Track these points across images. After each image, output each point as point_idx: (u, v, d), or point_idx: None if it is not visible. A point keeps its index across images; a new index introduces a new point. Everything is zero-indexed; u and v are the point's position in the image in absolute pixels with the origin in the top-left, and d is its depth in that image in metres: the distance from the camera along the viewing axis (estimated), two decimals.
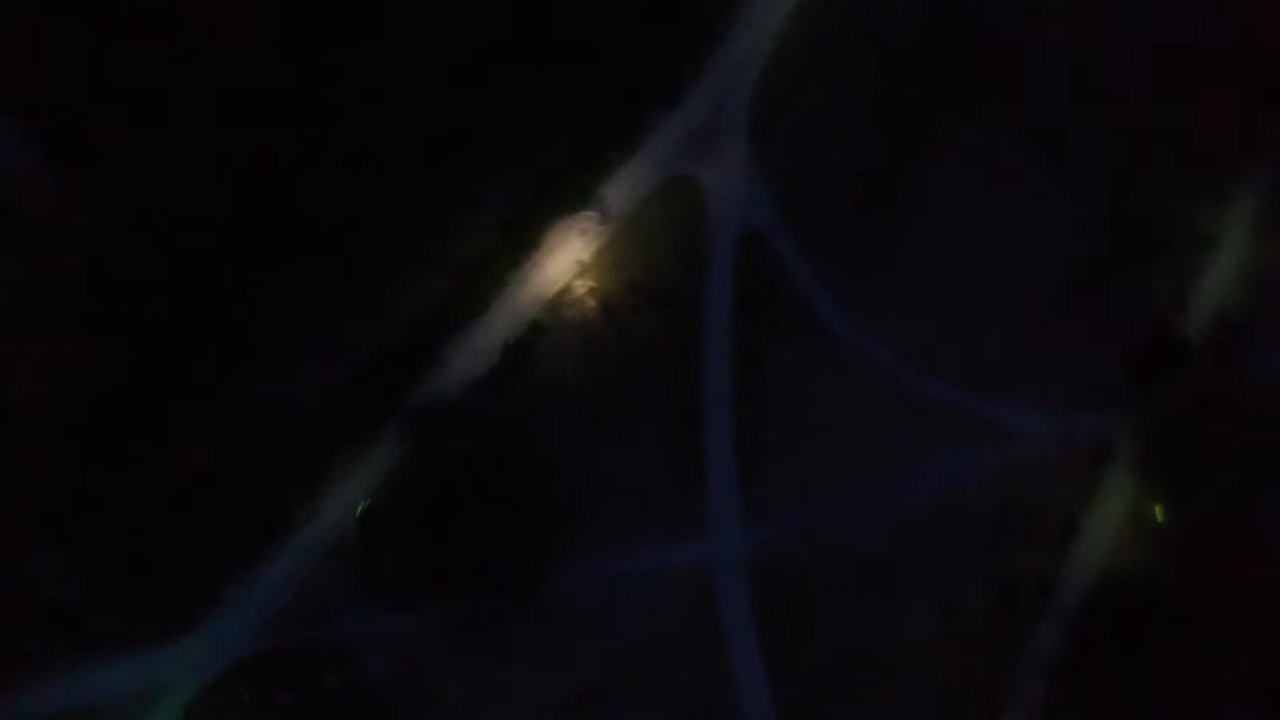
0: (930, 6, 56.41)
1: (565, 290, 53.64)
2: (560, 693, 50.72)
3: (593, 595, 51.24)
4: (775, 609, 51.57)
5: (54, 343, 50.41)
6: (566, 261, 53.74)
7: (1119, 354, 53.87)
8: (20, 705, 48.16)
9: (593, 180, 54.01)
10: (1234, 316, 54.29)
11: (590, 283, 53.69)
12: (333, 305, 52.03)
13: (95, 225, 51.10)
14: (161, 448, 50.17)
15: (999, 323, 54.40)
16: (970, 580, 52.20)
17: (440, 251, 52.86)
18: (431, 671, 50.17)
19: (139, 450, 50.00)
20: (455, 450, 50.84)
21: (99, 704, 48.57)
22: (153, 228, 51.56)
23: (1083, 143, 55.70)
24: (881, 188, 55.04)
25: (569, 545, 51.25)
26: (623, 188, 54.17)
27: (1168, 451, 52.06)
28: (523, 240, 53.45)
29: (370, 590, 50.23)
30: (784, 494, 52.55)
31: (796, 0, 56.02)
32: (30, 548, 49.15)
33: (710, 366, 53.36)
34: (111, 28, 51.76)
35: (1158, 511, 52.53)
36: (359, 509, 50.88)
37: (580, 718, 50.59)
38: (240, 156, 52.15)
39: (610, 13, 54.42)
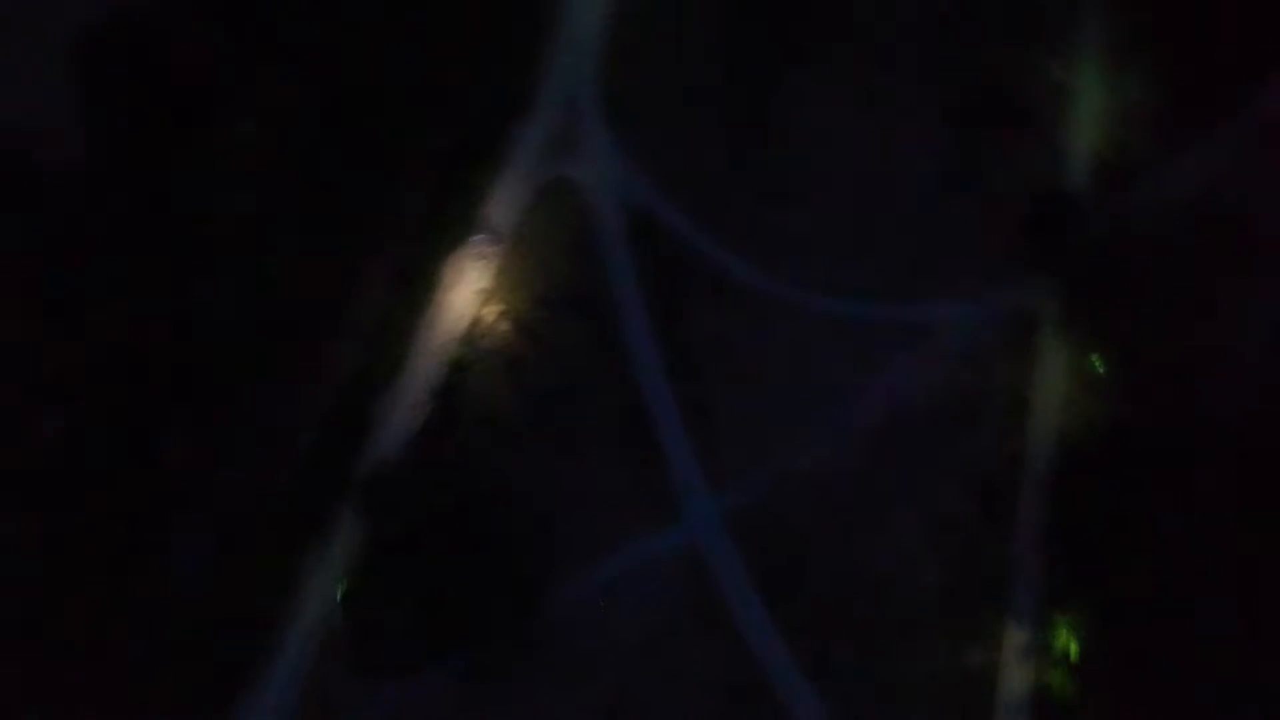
0: None
1: (476, 322, 53.58)
2: (589, 710, 50.77)
3: (591, 607, 51.30)
4: (767, 565, 51.88)
5: None
6: (469, 294, 53.70)
7: (1016, 227, 54.78)
8: None
9: (470, 208, 54.01)
10: (1110, 157, 55.42)
11: (498, 308, 53.66)
12: (250, 405, 51.67)
13: None
14: (133, 591, 50.17)
15: (896, 230, 55.05)
16: (943, 481, 52.82)
17: (345, 319, 52.61)
18: None
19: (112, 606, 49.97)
20: (415, 509, 50.63)
21: None
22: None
23: (922, 40, 56.47)
24: (750, 135, 55.52)
25: (552, 568, 51.24)
26: (503, 206, 54.29)
27: (1088, 303, 52.98)
28: (422, 285, 53.29)
29: (370, 670, 49.85)
30: (742, 454, 52.85)
31: None
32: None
33: (637, 354, 53.52)
34: None
35: (1096, 362, 53.56)
36: (339, 594, 50.40)
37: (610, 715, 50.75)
38: (110, 294, 51.72)
39: (436, 42, 54.45)
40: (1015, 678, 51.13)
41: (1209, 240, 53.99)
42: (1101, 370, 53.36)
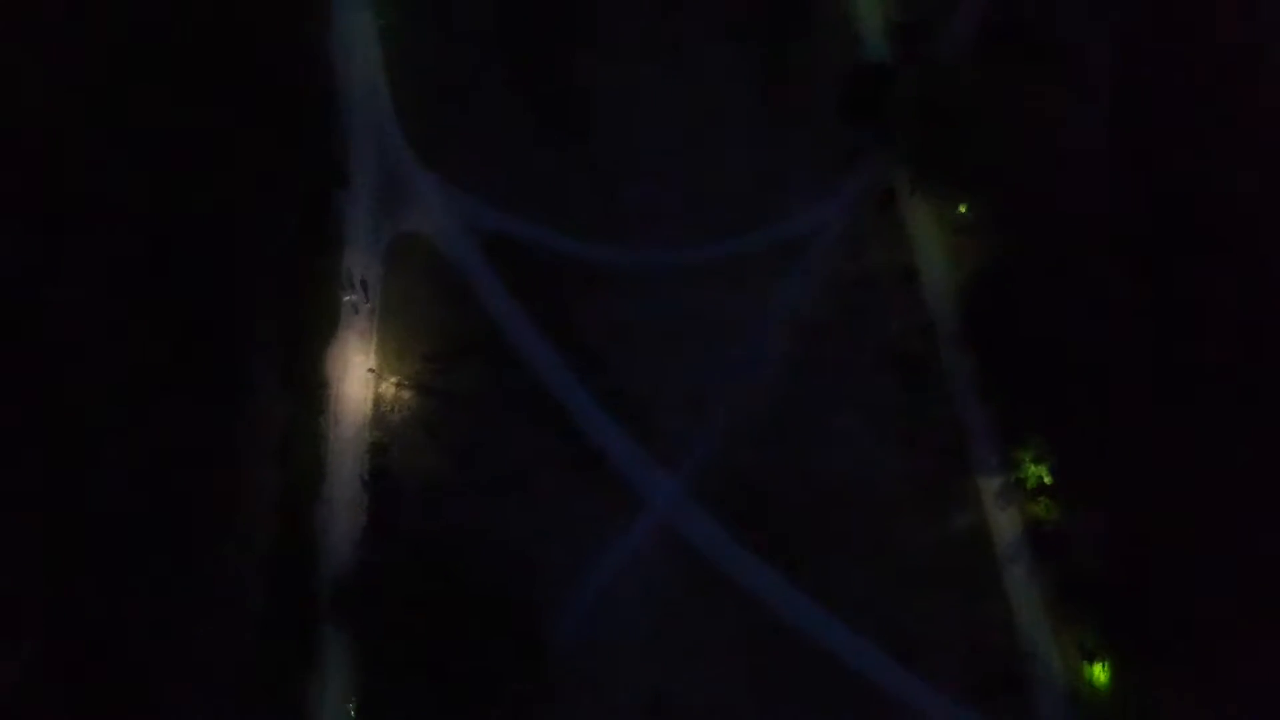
0: None
1: (377, 401, 52.90)
2: (631, 715, 50.55)
3: (594, 620, 50.89)
4: (739, 515, 52.09)
5: None
6: (360, 378, 53.01)
7: (838, 114, 56.05)
8: None
9: (326, 301, 53.40)
10: (902, 20, 57.41)
11: (392, 380, 53.05)
12: (198, 570, 50.29)
13: None
14: None
15: (732, 163, 56.14)
16: (867, 373, 53.70)
17: (250, 447, 51.59)
18: None
19: None
20: (393, 602, 49.69)
21: None
22: None
23: None
24: (560, 126, 56.06)
25: (545, 602, 50.67)
26: (358, 281, 53.67)
27: (930, 156, 54.41)
28: (312, 387, 52.45)
29: None
30: (677, 423, 53.00)
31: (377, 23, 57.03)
32: None
33: (539, 371, 53.33)
34: None
35: (961, 208, 55.07)
36: (351, 712, 49.39)
37: (654, 713, 50.20)
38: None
39: (237, 163, 53.98)
40: (1004, 524, 52.14)
41: (1017, 53, 56.19)
42: (967, 212, 54.99)
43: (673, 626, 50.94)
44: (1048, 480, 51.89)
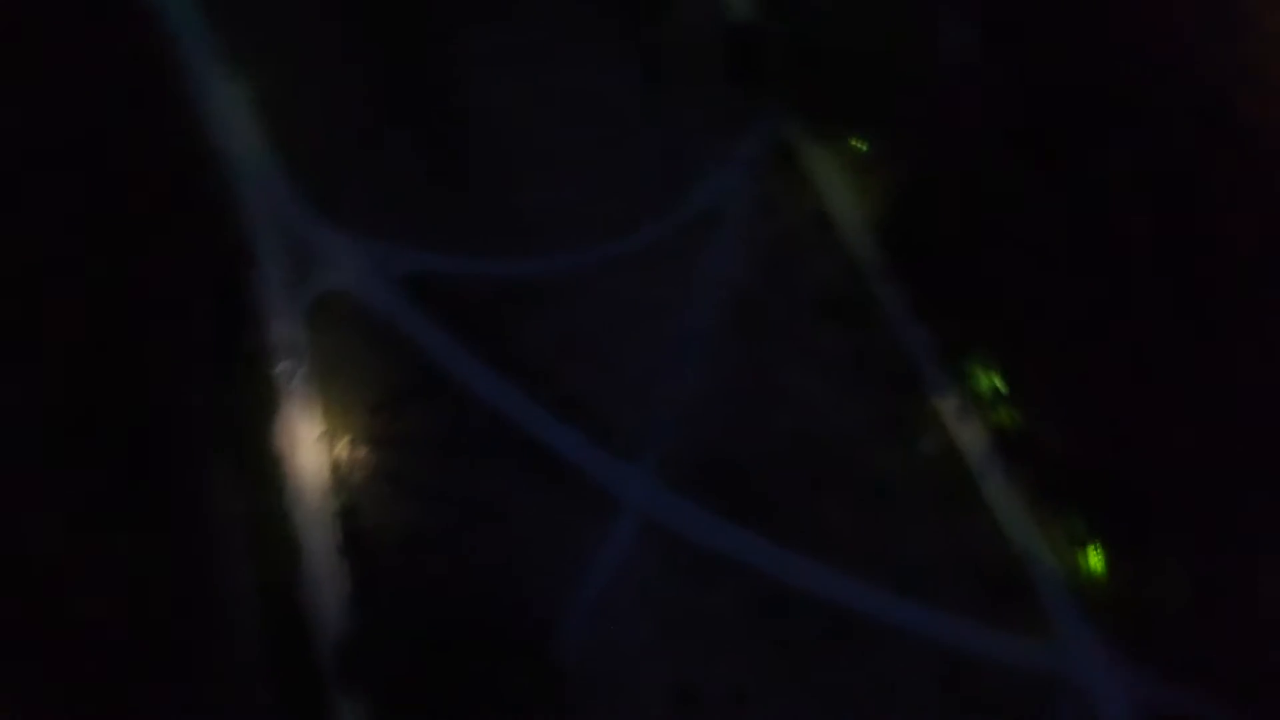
0: None
1: (335, 466, 52.24)
2: (659, 715, 50.49)
3: (599, 629, 50.59)
4: (714, 490, 52.23)
5: None
6: (311, 447, 52.29)
7: (722, 80, 56.40)
8: None
9: (260, 380, 52.60)
10: None
11: (344, 440, 52.43)
12: (198, 681, 49.22)
13: None
14: None
15: (627, 150, 56.36)
16: (805, 326, 54.22)
17: (217, 551, 50.63)
18: None
19: None
20: (396, 658, 49.26)
21: None
22: None
23: None
24: (447, 150, 56.00)
25: (546, 623, 50.28)
26: (287, 353, 53.03)
27: (815, 102, 55.11)
28: (263, 471, 51.64)
29: None
30: (632, 418, 52.99)
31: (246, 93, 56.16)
32: None
33: (491, 396, 53.00)
34: None
35: (857, 144, 55.78)
36: None
37: (691, 712, 50.28)
38: None
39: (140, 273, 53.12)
40: (970, 439, 53.02)
41: None
42: (865, 146, 55.73)
43: (679, 617, 50.85)
44: (1002, 388, 52.86)
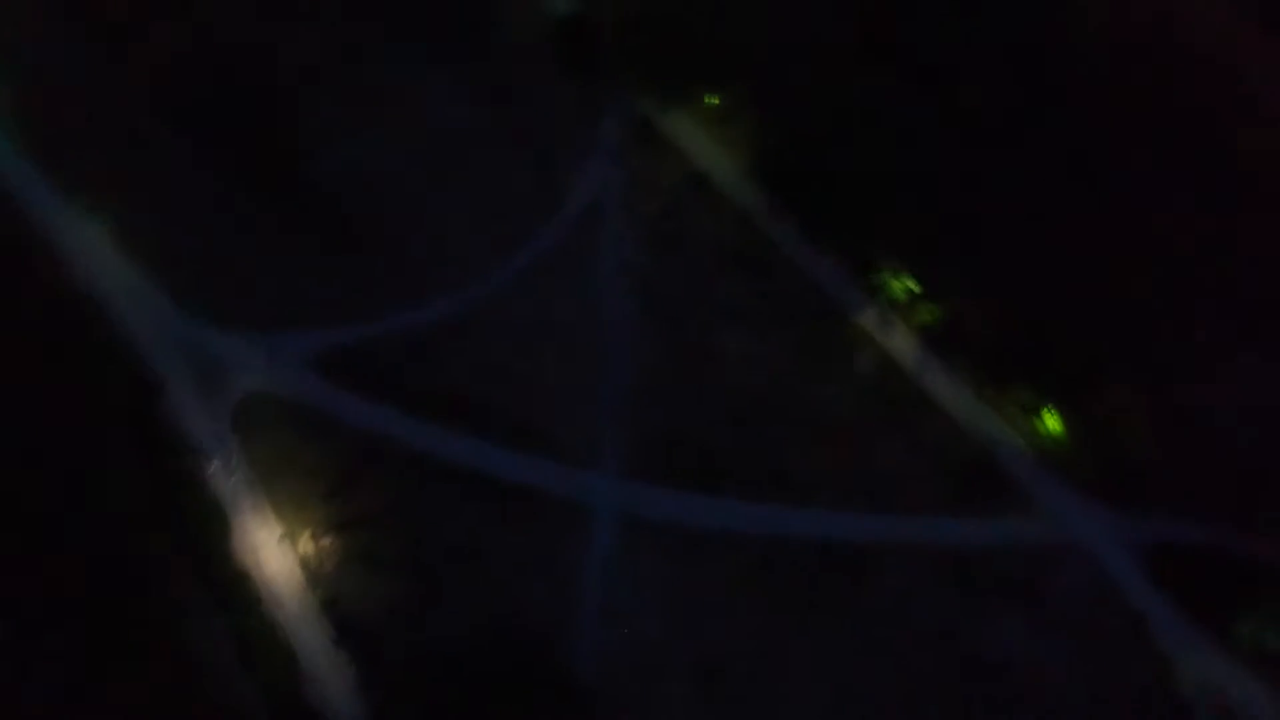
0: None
1: (304, 562, 51.45)
2: (688, 694, 50.43)
3: (611, 636, 50.66)
4: (678, 471, 52.52)
5: None
6: (275, 551, 51.45)
7: (563, 74, 56.63)
8: None
9: (202, 503, 51.61)
10: None
11: (306, 534, 51.68)
12: None
13: None
14: None
15: (494, 174, 56.31)
16: (717, 284, 54.79)
17: (211, 677, 49.68)
18: None
19: None
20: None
21: None
22: None
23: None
24: (319, 226, 55.33)
25: (556, 647, 50.31)
26: (223, 466, 52.14)
27: (659, 70, 55.73)
28: (233, 590, 50.71)
29: None
30: (576, 423, 53.04)
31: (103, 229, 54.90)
32: None
33: (435, 448, 52.61)
34: None
35: (712, 100, 56.28)
36: None
37: (720, 685, 50.55)
38: None
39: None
40: (900, 344, 53.96)
41: None
42: (717, 100, 56.29)
43: (682, 599, 51.08)
44: (915, 288, 53.77)
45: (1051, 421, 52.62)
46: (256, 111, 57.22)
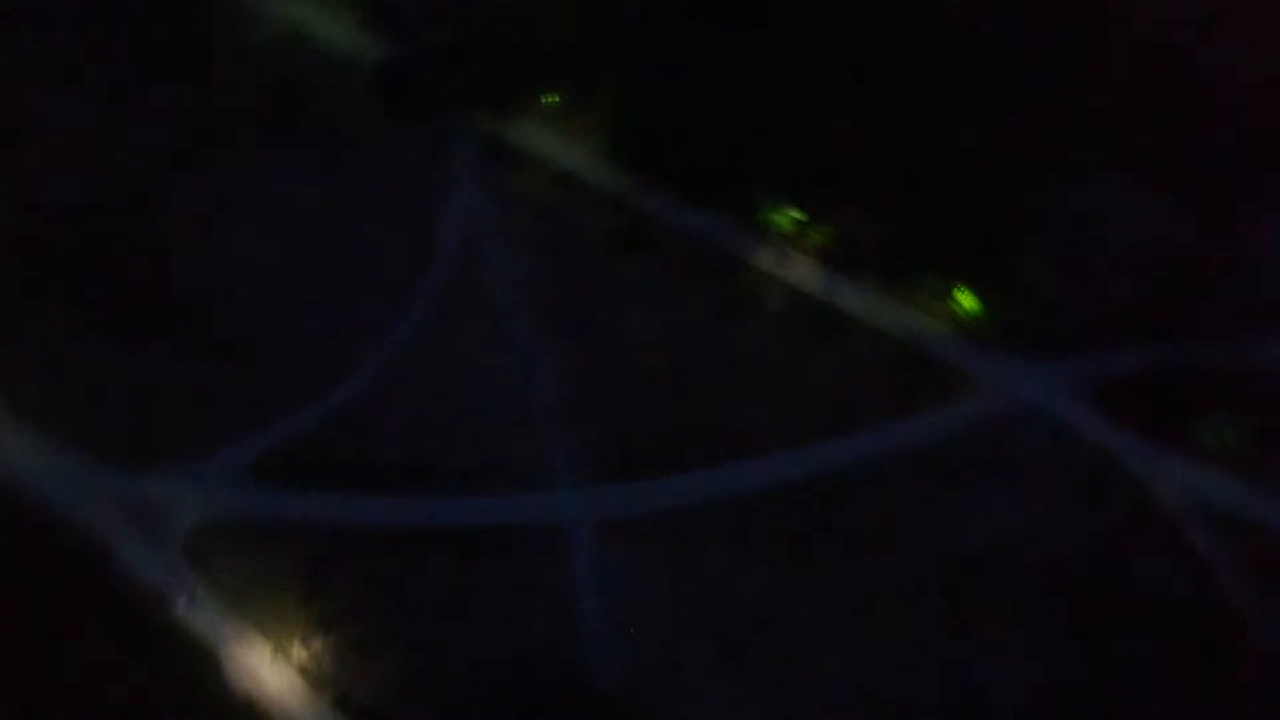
0: None
1: (301, 671, 50.53)
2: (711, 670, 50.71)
3: (623, 640, 50.78)
4: (631, 458, 52.74)
5: None
6: (270, 669, 50.50)
7: (397, 119, 56.33)
8: None
9: (184, 647, 50.32)
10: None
11: (293, 644, 50.78)
12: None
13: None
14: None
15: (363, 239, 55.67)
16: (608, 275, 54.92)
17: None
18: None
19: None
20: None
21: None
22: None
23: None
24: (203, 342, 54.11)
25: (579, 670, 50.38)
26: (188, 605, 50.95)
27: (489, 87, 55.54)
28: (238, 714, 49.78)
29: None
30: (521, 449, 52.79)
31: None
32: None
33: (394, 518, 51.90)
34: None
35: (551, 98, 56.29)
36: None
37: (739, 658, 50.88)
38: None
39: None
40: (803, 273, 54.58)
41: None
42: (556, 97, 56.24)
43: (678, 584, 51.30)
44: (800, 215, 54.29)
45: (966, 300, 53.60)
46: (110, 250, 55.64)
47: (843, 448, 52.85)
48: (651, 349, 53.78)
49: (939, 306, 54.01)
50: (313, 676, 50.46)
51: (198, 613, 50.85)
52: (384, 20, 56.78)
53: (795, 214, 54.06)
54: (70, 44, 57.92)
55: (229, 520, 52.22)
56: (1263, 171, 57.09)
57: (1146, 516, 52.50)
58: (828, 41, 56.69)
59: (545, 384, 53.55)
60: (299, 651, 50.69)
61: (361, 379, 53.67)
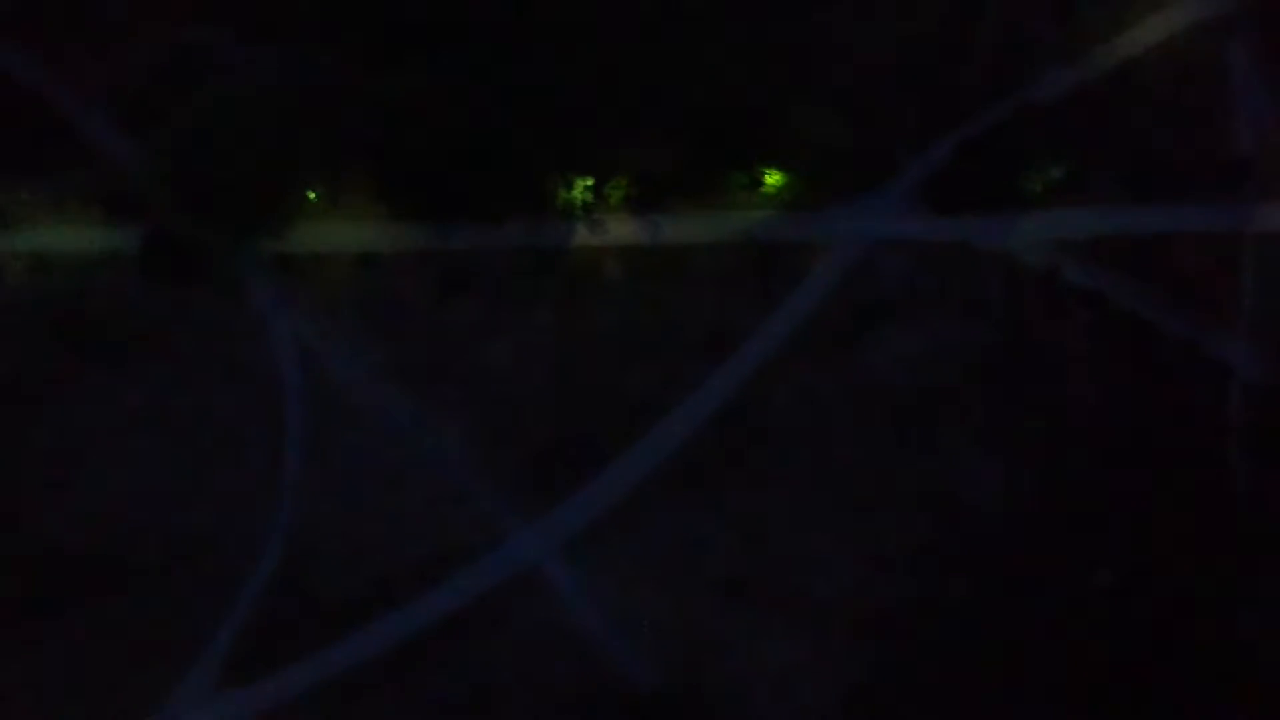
0: None
1: None
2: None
3: (643, 643, 51.74)
4: (552, 472, 53.17)
5: None
6: None
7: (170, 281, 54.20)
8: None
9: None
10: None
11: None
12: None
13: None
14: None
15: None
16: (451, 325, 54.20)
17: None
18: None
19: None
20: None
21: None
22: None
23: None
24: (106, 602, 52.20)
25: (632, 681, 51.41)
26: None
27: (236, 217, 53.94)
28: None
29: None
30: (459, 523, 52.58)
31: None
32: None
33: (368, 651, 51.71)
34: None
35: (312, 196, 54.90)
36: None
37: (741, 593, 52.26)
38: None
39: None
40: (622, 231, 54.69)
41: None
42: (316, 195, 54.76)
43: (663, 563, 52.21)
44: (589, 180, 53.97)
45: (772, 178, 54.44)
46: None
47: (738, 363, 53.86)
48: (523, 369, 53.66)
49: (754, 196, 54.73)
50: None
51: None
52: (122, 204, 54.02)
53: (585, 182, 53.97)
54: None
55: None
56: None
57: (1022, 283, 54.70)
58: (503, 40, 55.45)
59: (445, 455, 53.20)
60: None
61: (275, 550, 52.46)
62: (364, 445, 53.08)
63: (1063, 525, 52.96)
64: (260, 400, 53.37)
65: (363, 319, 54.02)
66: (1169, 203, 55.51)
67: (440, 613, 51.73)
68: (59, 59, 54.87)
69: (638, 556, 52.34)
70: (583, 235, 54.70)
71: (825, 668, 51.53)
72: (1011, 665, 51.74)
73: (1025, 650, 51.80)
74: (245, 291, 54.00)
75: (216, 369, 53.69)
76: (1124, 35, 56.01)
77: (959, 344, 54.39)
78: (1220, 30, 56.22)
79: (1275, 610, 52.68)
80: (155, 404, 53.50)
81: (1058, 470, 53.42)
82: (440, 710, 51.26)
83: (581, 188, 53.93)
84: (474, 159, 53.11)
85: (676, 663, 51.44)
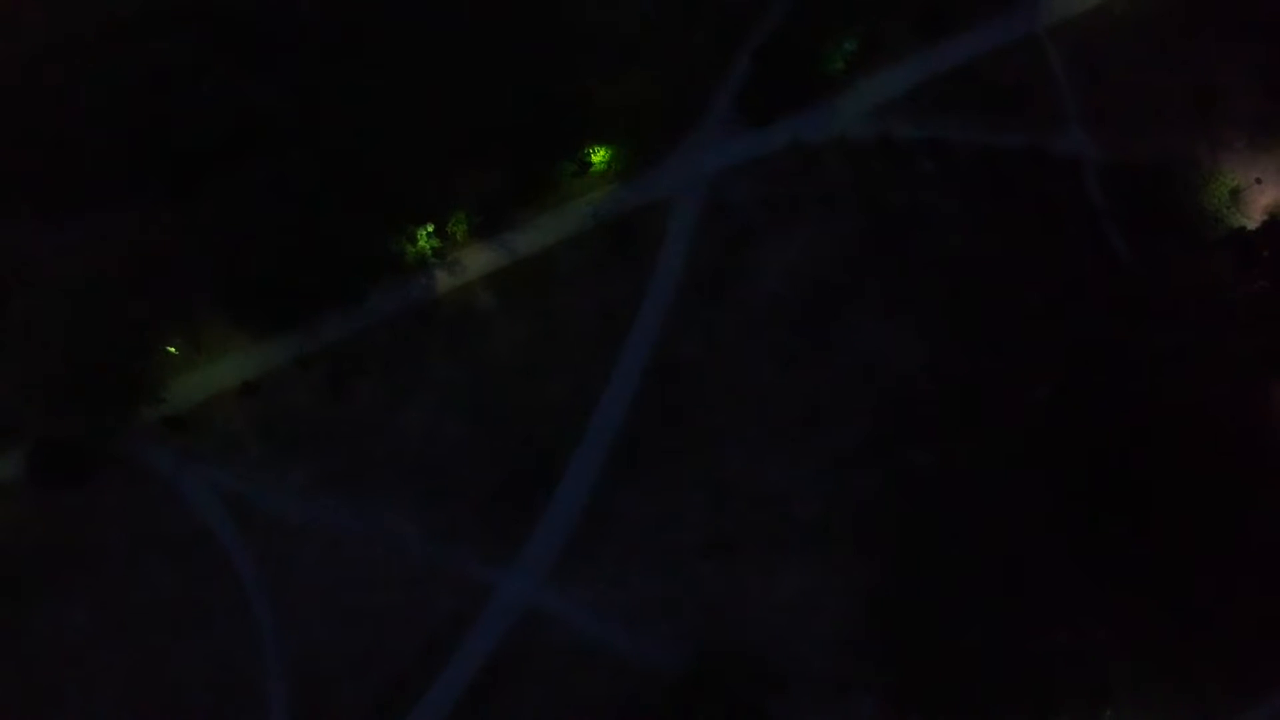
0: None
1: None
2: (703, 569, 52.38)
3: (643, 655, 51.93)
4: (497, 517, 52.93)
5: None
6: None
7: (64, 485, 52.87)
8: None
9: None
10: None
11: None
12: None
13: None
14: None
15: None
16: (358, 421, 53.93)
17: None
18: None
19: None
20: None
21: None
22: None
23: None
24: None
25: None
26: None
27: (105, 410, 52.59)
28: None
29: None
30: (446, 599, 52.03)
31: None
32: None
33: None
34: None
35: (172, 350, 53.68)
36: None
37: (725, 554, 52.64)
38: None
39: None
40: (483, 259, 54.77)
41: None
42: (176, 349, 53.67)
43: (641, 556, 52.39)
44: (429, 226, 53.83)
45: (598, 155, 55.02)
46: None
47: (643, 333, 54.34)
48: (440, 426, 53.40)
49: (588, 179, 55.20)
50: None
51: None
52: None
53: (426, 230, 53.77)
54: None
55: None
56: None
57: (862, 159, 56.31)
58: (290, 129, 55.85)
59: (407, 529, 52.57)
60: None
61: (280, 691, 51.20)
62: (322, 560, 52.22)
63: (989, 359, 54.39)
64: (205, 564, 52.14)
65: (269, 445, 53.10)
66: (961, 31, 57.52)
67: (462, 683, 51.20)
68: None
69: (619, 554, 52.37)
70: (445, 279, 54.55)
71: (837, 581, 52.19)
72: (1003, 503, 52.88)
73: (1009, 482, 53.02)
74: (147, 466, 52.72)
75: (151, 552, 52.34)
76: None
77: (831, 238, 55.47)
78: None
79: (1178, 355, 54.66)
80: (105, 615, 51.91)
81: (965, 313, 54.80)
82: None
83: (424, 236, 53.68)
84: (308, 250, 52.59)
85: (699, 634, 51.48)
